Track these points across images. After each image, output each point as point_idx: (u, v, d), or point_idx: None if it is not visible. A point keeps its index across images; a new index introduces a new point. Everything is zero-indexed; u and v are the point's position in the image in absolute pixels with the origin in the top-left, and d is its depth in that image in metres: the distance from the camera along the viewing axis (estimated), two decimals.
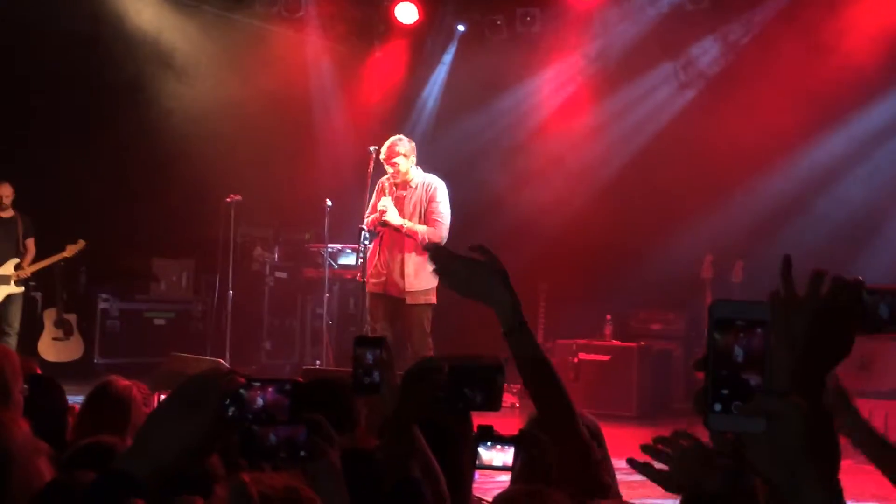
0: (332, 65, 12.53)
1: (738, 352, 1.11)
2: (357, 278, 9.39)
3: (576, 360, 9.58)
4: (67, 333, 10.36)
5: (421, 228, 7.81)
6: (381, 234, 7.95)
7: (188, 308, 11.62)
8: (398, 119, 12.65)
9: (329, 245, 9.87)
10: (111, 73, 10.48)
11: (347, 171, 11.15)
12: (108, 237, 10.95)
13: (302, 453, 2.01)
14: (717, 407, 1.11)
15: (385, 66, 12.80)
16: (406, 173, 8.02)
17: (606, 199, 10.39)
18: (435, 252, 2.28)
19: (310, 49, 12.21)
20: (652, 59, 10.91)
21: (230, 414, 1.48)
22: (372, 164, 9.21)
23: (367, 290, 7.89)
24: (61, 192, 10.43)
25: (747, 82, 10.16)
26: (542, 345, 10.45)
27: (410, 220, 7.87)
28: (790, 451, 1.11)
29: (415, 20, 12.07)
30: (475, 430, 2.44)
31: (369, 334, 7.33)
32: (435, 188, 8.04)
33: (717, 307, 1.12)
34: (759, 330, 1.11)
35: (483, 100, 11.84)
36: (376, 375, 2.32)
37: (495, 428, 2.42)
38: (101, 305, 10.79)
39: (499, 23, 11.86)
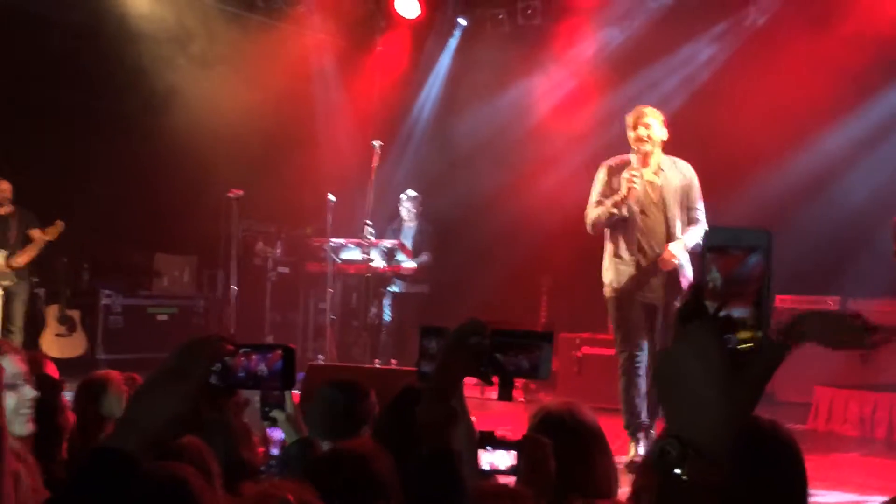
0: (333, 59, 12.51)
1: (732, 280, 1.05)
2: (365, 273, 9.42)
3: (579, 354, 9.57)
4: (70, 329, 10.36)
5: (693, 239, 6.39)
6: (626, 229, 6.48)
7: (191, 303, 11.61)
8: (400, 113, 12.66)
9: (332, 240, 9.86)
10: (112, 66, 10.46)
11: (350, 165, 11.16)
12: (110, 233, 10.97)
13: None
14: None
15: (387, 60, 12.79)
16: (658, 144, 6.44)
17: None
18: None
19: (311, 43, 12.20)
20: (654, 53, 10.88)
21: (214, 381, 1.47)
22: (376, 158, 9.22)
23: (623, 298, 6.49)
24: (63, 188, 10.42)
25: (749, 76, 10.13)
26: None
27: (673, 213, 6.39)
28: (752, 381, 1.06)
29: (416, 14, 12.06)
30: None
31: (638, 352, 6.41)
32: (693, 172, 6.55)
33: (710, 235, 1.08)
34: (754, 258, 1.05)
35: (485, 94, 11.82)
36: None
37: (502, 424, 2.41)
38: (104, 301, 10.79)
39: (500, 17, 11.86)
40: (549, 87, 11.74)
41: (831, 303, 9.19)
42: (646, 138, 6.35)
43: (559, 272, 10.48)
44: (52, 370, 3.46)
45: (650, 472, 2.33)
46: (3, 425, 2.06)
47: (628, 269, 6.43)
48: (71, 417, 3.32)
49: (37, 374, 2.97)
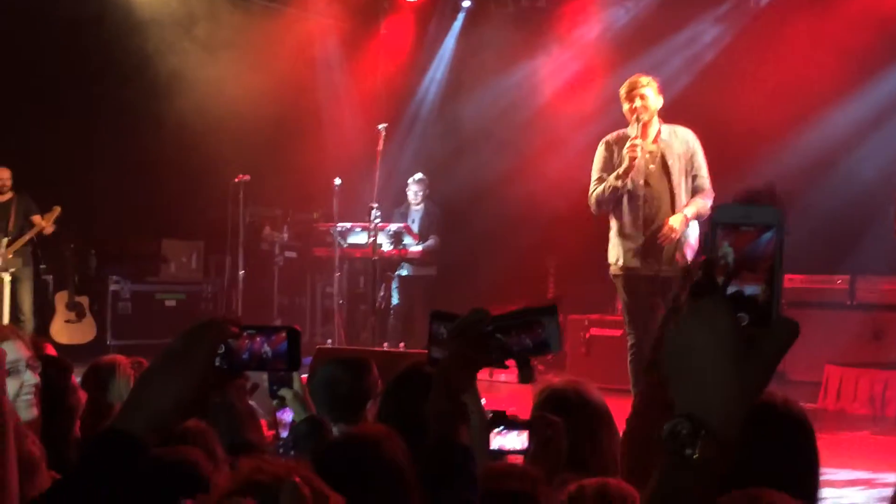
0: (337, 42, 12.49)
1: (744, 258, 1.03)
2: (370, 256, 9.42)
3: (587, 335, 9.57)
4: (79, 316, 10.39)
5: (701, 207, 6.20)
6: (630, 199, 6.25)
7: (198, 289, 11.63)
8: (405, 96, 12.62)
9: (338, 224, 9.85)
10: (117, 53, 10.46)
11: (355, 149, 11.14)
12: (116, 220, 10.98)
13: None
14: None
15: (391, 42, 12.75)
16: (654, 113, 6.25)
17: None
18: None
19: (315, 27, 12.17)
20: (659, 33, 10.83)
21: (218, 364, 1.46)
22: (381, 141, 9.20)
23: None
24: (68, 176, 10.43)
25: (754, 55, 10.08)
26: None
27: (678, 181, 6.20)
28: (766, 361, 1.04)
29: None
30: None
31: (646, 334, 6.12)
32: (695, 138, 6.34)
33: (721, 211, 1.05)
34: (767, 235, 1.03)
35: (489, 76, 11.78)
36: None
37: (509, 404, 2.39)
38: (112, 287, 10.81)
39: None
40: (554, 68, 11.69)
41: (840, 282, 9.17)
42: (641, 108, 6.15)
43: (566, 253, 10.46)
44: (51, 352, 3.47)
45: (633, 447, 2.31)
46: (6, 409, 2.06)
47: (633, 244, 6.21)
48: (83, 397, 3.32)
49: (43, 358, 2.98)
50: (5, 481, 2.01)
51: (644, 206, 6.21)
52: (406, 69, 12.66)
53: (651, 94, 6.20)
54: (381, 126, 9.26)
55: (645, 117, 6.16)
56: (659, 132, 6.26)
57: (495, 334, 2.06)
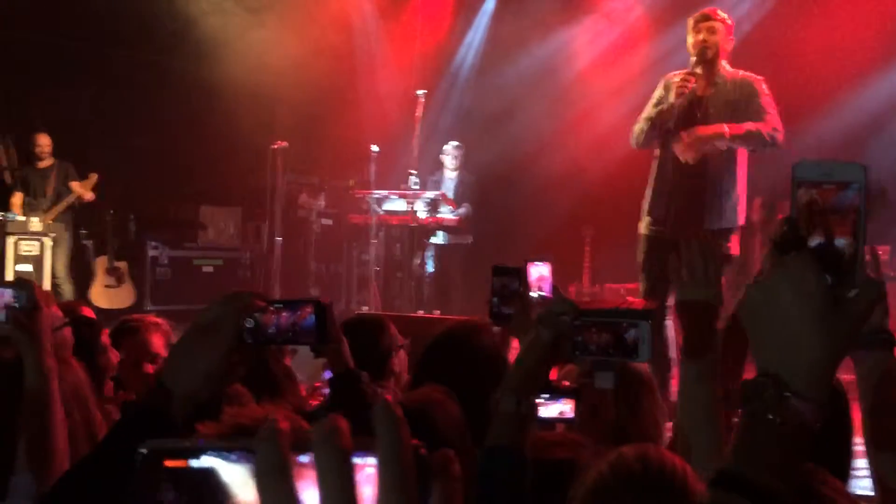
0: (375, 8, 12.42)
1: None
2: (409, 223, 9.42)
3: (624, 305, 9.53)
4: (119, 281, 10.48)
5: (751, 129, 5.47)
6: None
7: (236, 255, 11.69)
8: (443, 62, 12.55)
9: (375, 191, 9.84)
10: (155, 21, 10.47)
11: (393, 116, 11.11)
12: (156, 186, 11.05)
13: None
14: None
15: (429, 8, 12.66)
16: (718, 52, 5.60)
17: None
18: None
19: None
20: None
21: (245, 338, 1.47)
22: (420, 108, 9.16)
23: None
24: (108, 142, 10.49)
25: (800, 20, 9.91)
26: (590, 289, 10.42)
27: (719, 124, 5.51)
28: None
29: None
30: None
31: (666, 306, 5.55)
32: (758, 85, 5.63)
33: (800, 167, 1.02)
34: (851, 190, 1.00)
35: (528, 42, 11.67)
36: (511, 306, 2.22)
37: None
38: (151, 253, 10.88)
39: None
40: (594, 34, 11.57)
41: (882, 253, 9.04)
42: (709, 43, 5.52)
43: (602, 222, 10.40)
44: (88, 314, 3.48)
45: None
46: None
47: (654, 200, 5.60)
48: (115, 357, 3.34)
49: (73, 317, 2.98)
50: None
51: (678, 154, 5.58)
52: (444, 35, 12.58)
53: (722, 31, 5.59)
54: (419, 92, 9.21)
55: (710, 53, 5.54)
56: (717, 73, 5.63)
57: (580, 331, 1.90)
